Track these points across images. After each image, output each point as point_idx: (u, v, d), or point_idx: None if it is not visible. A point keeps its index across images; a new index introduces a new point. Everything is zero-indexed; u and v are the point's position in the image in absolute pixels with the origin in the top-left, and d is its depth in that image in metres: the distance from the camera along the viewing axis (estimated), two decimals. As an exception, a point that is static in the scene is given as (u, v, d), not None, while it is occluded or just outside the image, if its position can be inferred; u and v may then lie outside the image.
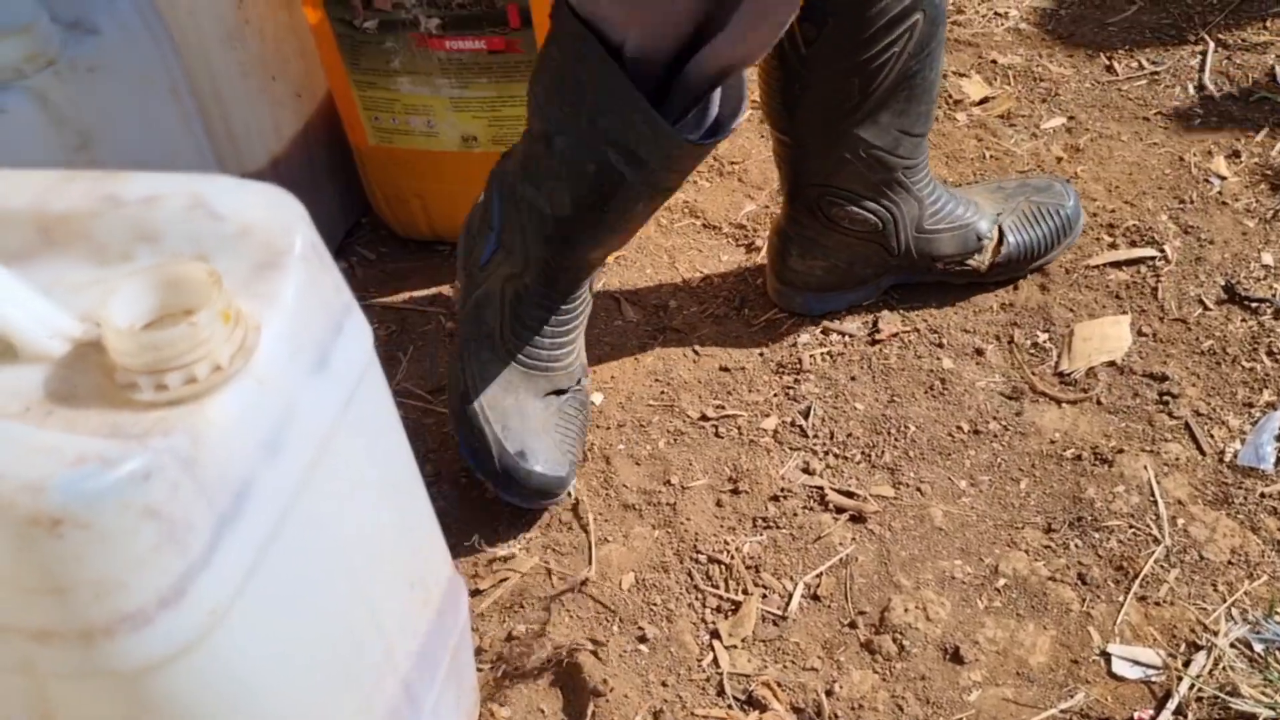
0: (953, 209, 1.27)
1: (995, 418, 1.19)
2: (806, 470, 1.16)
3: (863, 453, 1.17)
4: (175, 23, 1.19)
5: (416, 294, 1.45)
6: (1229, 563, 1.03)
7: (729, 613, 1.05)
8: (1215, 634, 0.98)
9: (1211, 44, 1.70)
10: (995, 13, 1.85)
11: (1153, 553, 1.04)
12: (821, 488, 1.14)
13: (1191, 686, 0.94)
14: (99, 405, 0.60)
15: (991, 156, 1.55)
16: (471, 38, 1.27)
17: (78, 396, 0.61)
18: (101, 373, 0.61)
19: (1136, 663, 0.97)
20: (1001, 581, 1.04)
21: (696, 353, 1.32)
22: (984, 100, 1.66)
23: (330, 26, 1.30)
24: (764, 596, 1.06)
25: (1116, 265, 1.34)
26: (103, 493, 0.54)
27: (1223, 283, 1.29)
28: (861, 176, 1.21)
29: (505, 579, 1.10)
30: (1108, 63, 1.71)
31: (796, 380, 1.26)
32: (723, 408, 1.24)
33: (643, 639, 1.03)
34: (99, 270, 0.69)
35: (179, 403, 0.60)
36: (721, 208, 1.53)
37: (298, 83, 1.38)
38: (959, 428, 1.19)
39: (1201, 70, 1.65)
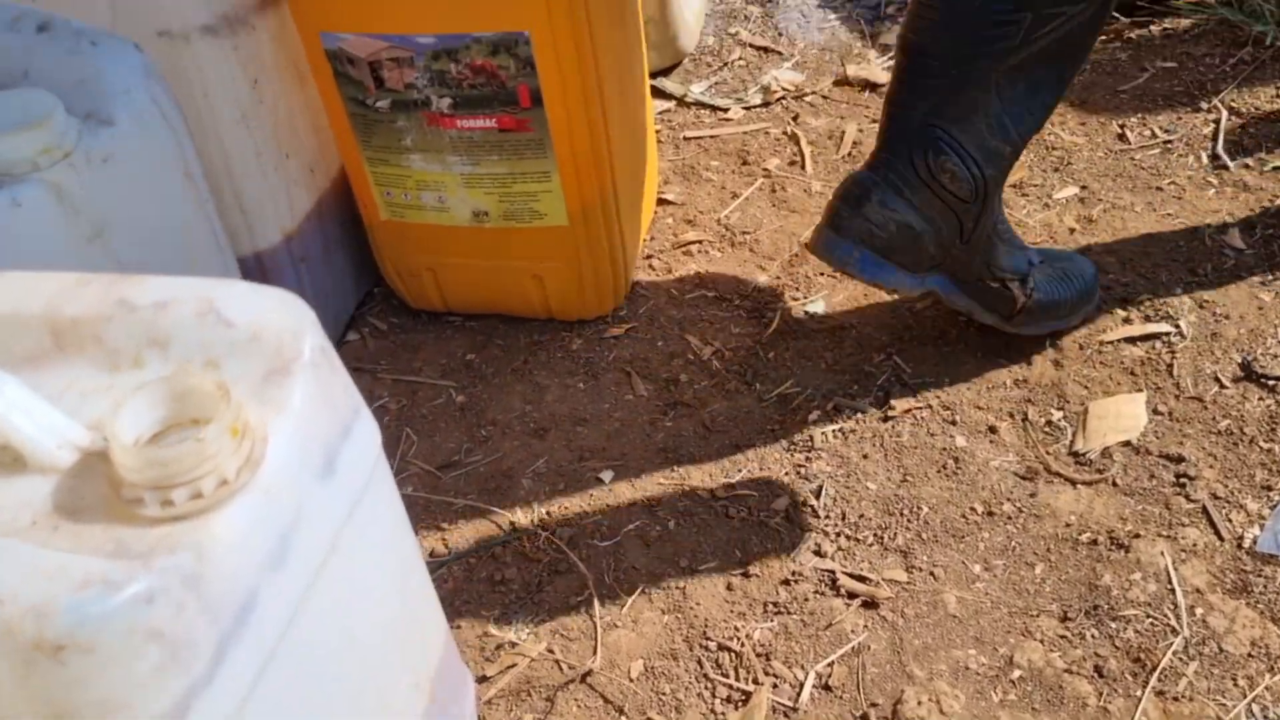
0: (1010, 230, 1.29)
1: (1009, 499, 1.18)
2: (818, 553, 1.15)
3: (875, 535, 1.16)
4: (190, 104, 1.21)
5: (428, 367, 1.45)
6: (1249, 655, 1.01)
7: (739, 703, 1.03)
8: (1236, 729, 0.96)
9: (1225, 112, 1.70)
10: (1006, 81, 1.86)
11: (1171, 644, 1.02)
12: (833, 571, 1.13)
13: (1213, 785, 0.93)
14: (105, 520, 0.60)
15: (1003, 228, 1.54)
16: (482, 116, 1.28)
17: (84, 510, 0.61)
18: (108, 485, 0.61)
19: (1156, 758, 0.95)
20: (1017, 673, 1.02)
21: (707, 428, 1.31)
22: (995, 170, 1.66)
23: (343, 105, 1.31)
24: (775, 686, 1.04)
25: (1131, 340, 1.33)
26: (106, 617, 0.54)
27: (1239, 360, 1.28)
28: (979, 135, 1.18)
29: (513, 665, 1.08)
30: (1120, 131, 1.71)
31: (808, 458, 1.25)
32: (733, 487, 1.23)
33: (652, 728, 1.02)
34: (110, 375, 0.69)
35: (185, 518, 0.60)
36: (732, 278, 1.53)
37: (311, 158, 1.39)
38: (972, 509, 1.18)
39: (1215, 139, 1.65)
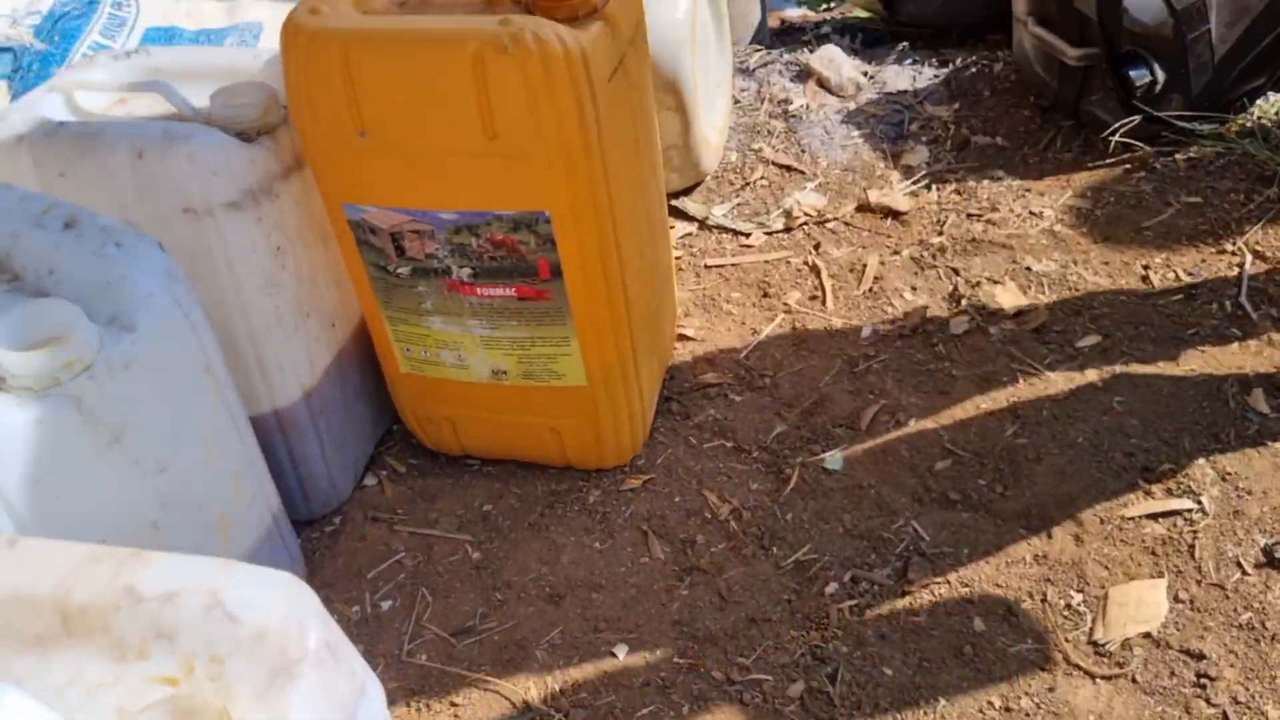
0: None
1: (1027, 693, 1.16)
2: (832, 747, 1.14)
3: (890, 728, 1.15)
4: (213, 276, 1.22)
5: (445, 518, 1.45)
6: None
7: None
8: None
9: (1249, 256, 1.68)
10: (1030, 212, 1.85)
11: None
12: (847, 771, 1.12)
13: None
14: None
15: (1025, 380, 1.53)
16: (502, 286, 1.28)
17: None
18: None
19: None
20: None
21: (723, 598, 1.30)
22: (1018, 313, 1.65)
23: (364, 269, 1.32)
24: None
25: (1153, 517, 1.32)
26: None
27: (1262, 544, 1.26)
28: None
29: None
30: (1144, 273, 1.70)
31: (824, 637, 1.24)
32: (748, 669, 1.22)
33: None
34: (117, 667, 0.69)
35: None
36: (751, 427, 1.53)
37: (332, 313, 1.40)
38: (990, 703, 1.16)
39: (1239, 286, 1.64)
